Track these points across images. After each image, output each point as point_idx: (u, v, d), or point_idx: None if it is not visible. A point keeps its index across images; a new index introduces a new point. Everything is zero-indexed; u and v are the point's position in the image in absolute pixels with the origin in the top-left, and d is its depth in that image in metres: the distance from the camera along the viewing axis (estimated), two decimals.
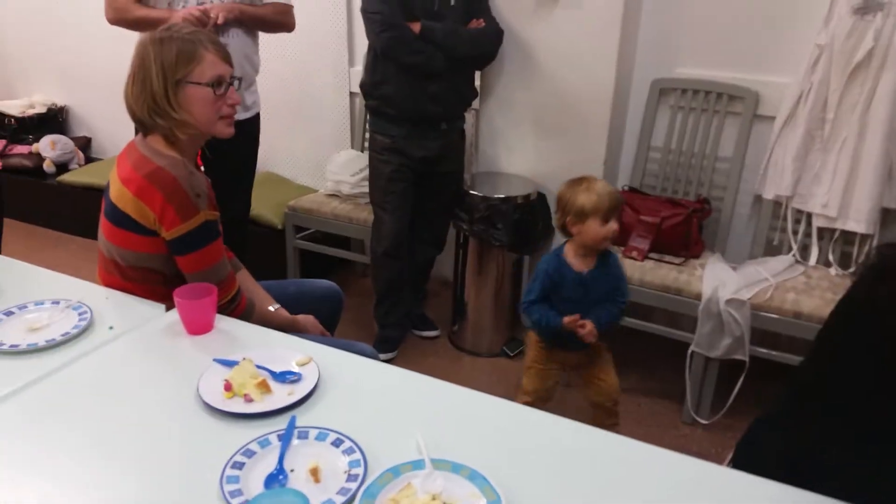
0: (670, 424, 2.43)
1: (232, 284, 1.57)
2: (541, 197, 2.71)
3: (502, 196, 2.59)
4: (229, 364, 1.28)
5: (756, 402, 2.31)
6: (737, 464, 1.27)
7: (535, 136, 2.76)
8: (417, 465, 1.06)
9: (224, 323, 1.48)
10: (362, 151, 3.13)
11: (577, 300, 1.93)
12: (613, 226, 1.88)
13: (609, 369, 2.08)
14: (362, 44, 2.66)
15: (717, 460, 1.31)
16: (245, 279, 1.74)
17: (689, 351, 2.36)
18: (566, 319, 1.90)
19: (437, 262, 2.92)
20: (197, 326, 1.43)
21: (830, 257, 2.42)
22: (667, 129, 2.66)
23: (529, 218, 2.64)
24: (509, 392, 2.58)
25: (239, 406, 1.19)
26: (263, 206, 3.08)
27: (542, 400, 2.13)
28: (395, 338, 2.79)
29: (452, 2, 2.42)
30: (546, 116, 2.71)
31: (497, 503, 0.99)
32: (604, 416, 2.11)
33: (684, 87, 2.59)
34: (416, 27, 2.36)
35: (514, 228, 2.60)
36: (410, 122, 2.49)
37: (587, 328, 1.90)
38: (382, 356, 2.66)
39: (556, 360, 2.09)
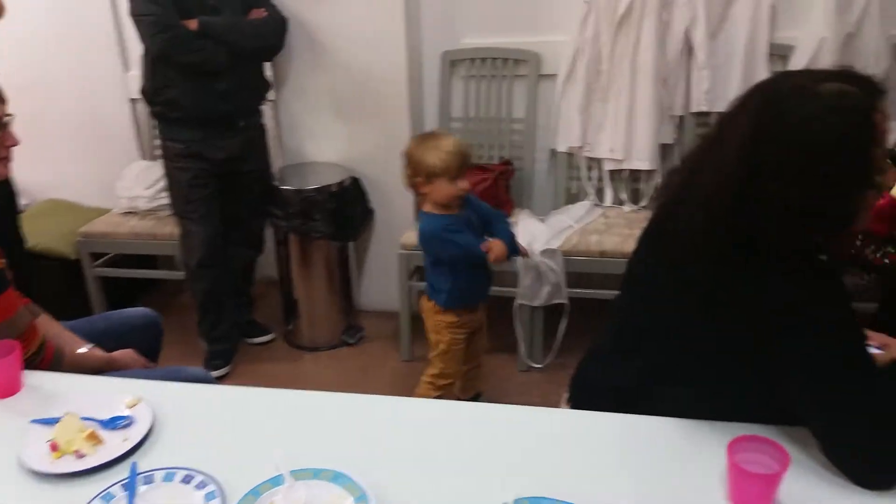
0: (509, 375, 2.56)
1: (34, 335, 1.41)
2: (355, 181, 2.70)
3: (316, 187, 2.55)
4: (50, 422, 1.16)
5: (583, 339, 2.50)
6: (573, 399, 1.37)
7: (337, 121, 2.73)
8: (276, 481, 1.03)
9: (33, 378, 1.33)
10: (154, 161, 2.92)
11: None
12: (464, 184, 1.92)
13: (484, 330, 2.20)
14: (135, 46, 2.47)
15: (557, 399, 1.40)
16: (47, 325, 1.57)
17: (515, 304, 2.50)
18: (483, 246, 1.94)
19: (259, 264, 2.83)
20: (4, 388, 1.28)
21: (623, 196, 2.66)
22: (463, 98, 2.75)
23: (347, 205, 2.63)
24: (358, 378, 2.59)
25: (71, 465, 1.09)
26: (50, 237, 2.78)
27: (451, 377, 2.16)
28: (225, 351, 2.67)
29: None
30: (345, 100, 2.69)
31: (363, 498, 1.00)
32: (472, 378, 2.20)
33: (472, 56, 2.69)
34: (192, 24, 2.22)
35: (333, 217, 2.57)
36: (202, 124, 2.36)
37: (498, 247, 1.95)
38: (215, 373, 2.54)
39: (465, 325, 2.11)
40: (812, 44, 2.33)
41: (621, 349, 1.28)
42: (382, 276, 2.86)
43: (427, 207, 1.97)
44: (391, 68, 2.59)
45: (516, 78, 2.68)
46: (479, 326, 2.17)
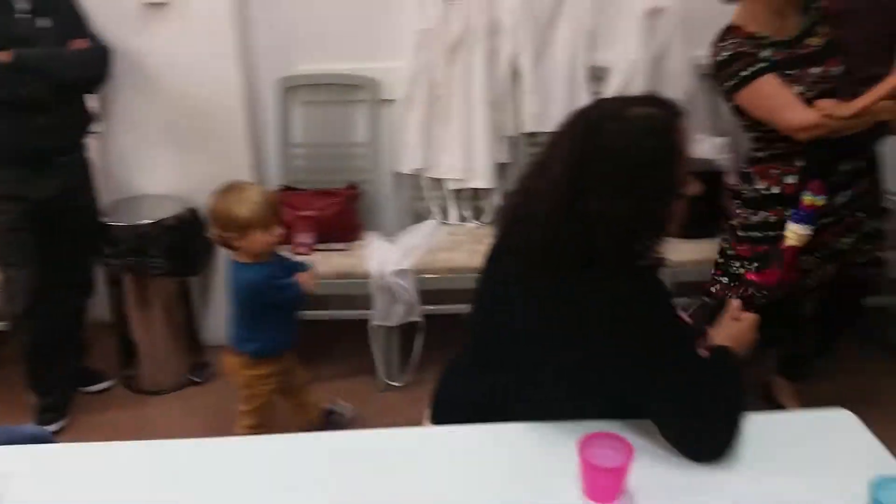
0: (369, 397, 2.56)
1: None
2: (193, 213, 2.59)
3: (150, 221, 2.42)
4: None
5: (440, 355, 2.55)
6: (435, 415, 1.41)
7: (171, 151, 2.61)
8: None
9: None
10: None
11: None
12: (277, 230, 1.88)
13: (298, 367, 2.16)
14: None
15: (420, 416, 1.43)
16: None
17: (370, 325, 2.51)
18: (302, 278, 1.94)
19: (91, 307, 2.63)
20: None
21: (466, 213, 2.77)
22: (305, 123, 2.73)
23: (186, 238, 2.51)
24: (208, 418, 2.47)
25: None
26: None
27: (267, 425, 2.08)
28: (58, 403, 2.45)
29: (39, 23, 2.13)
30: (178, 130, 2.58)
31: None
32: (309, 411, 2.16)
33: (309, 82, 2.68)
34: (4, 56, 2.04)
35: (172, 252, 2.45)
36: (20, 162, 2.17)
37: (305, 277, 1.97)
38: (50, 428, 2.33)
39: (278, 373, 2.05)
40: (625, 66, 2.55)
41: (478, 363, 1.33)
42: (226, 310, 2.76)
43: (242, 258, 1.91)
44: (225, 95, 2.53)
45: (356, 103, 2.71)
46: (291, 367, 2.13)
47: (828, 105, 1.77)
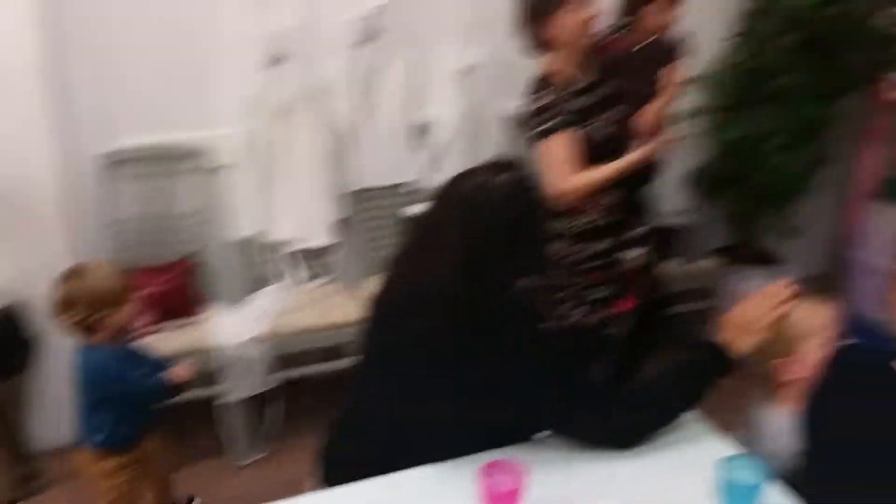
0: (227, 475, 2.45)
1: None
2: (14, 309, 2.36)
3: None
4: None
5: (303, 419, 2.52)
6: (327, 477, 1.42)
7: None
8: None
9: None
10: None
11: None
12: (134, 305, 1.82)
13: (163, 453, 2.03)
14: None
15: (294, 482, 1.43)
16: None
17: (224, 399, 2.42)
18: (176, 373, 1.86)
19: None
20: None
21: (309, 273, 2.78)
22: (131, 197, 2.60)
23: (8, 335, 2.28)
24: None
25: None
26: None
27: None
28: None
29: None
30: None
31: None
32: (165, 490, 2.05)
33: (135, 155, 2.57)
34: None
35: None
36: None
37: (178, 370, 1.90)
38: None
39: (135, 461, 1.90)
40: (446, 120, 2.74)
41: (369, 415, 1.38)
42: (59, 409, 2.51)
43: (95, 341, 1.81)
44: (38, 177, 2.35)
45: (184, 173, 2.63)
46: (151, 455, 1.99)
47: (583, 175, 2.04)
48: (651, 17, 2.32)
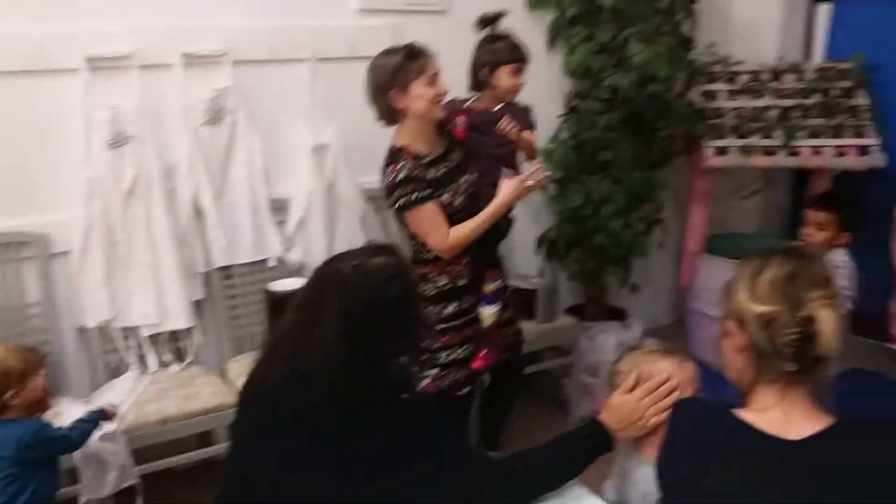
0: None
1: None
2: None
3: None
4: None
5: None
6: None
7: None
8: None
9: None
10: None
11: None
12: (39, 379, 1.96)
13: None
14: None
15: None
16: None
17: (81, 501, 2.26)
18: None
19: None
20: None
21: (167, 358, 2.68)
22: None
23: None
24: None
25: None
26: None
27: None
28: None
29: None
30: None
31: None
32: None
33: None
34: None
35: None
36: None
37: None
38: None
39: None
40: (302, 196, 2.80)
41: (248, 498, 1.37)
42: None
43: (10, 415, 1.86)
44: None
45: (24, 261, 2.49)
46: None
47: (462, 227, 2.20)
48: (499, 83, 2.48)
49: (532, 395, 3.31)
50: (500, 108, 2.52)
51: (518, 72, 2.47)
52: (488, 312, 2.39)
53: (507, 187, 2.21)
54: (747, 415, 1.24)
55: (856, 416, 1.24)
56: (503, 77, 2.45)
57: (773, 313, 1.18)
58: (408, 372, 1.41)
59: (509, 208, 2.30)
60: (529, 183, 2.23)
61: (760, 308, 1.19)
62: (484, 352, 2.39)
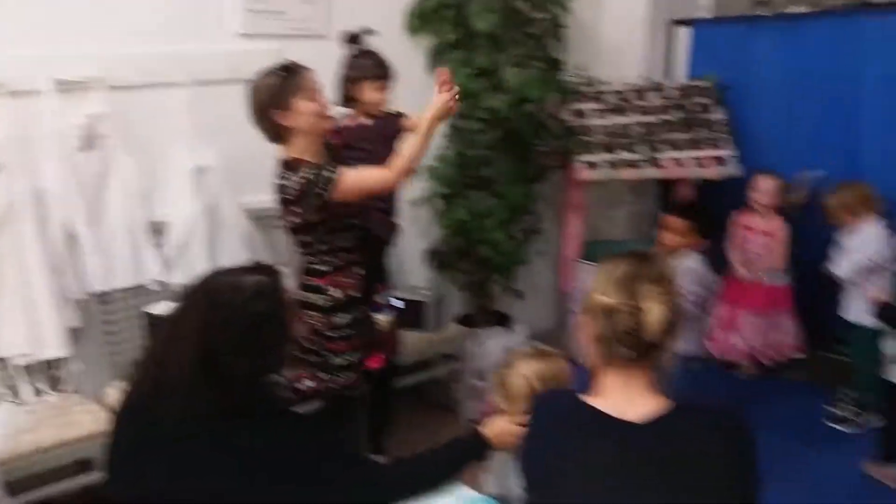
0: None
1: None
2: None
3: None
4: None
5: None
6: None
7: None
8: None
9: None
10: None
11: None
12: None
13: None
14: None
15: None
16: None
17: None
18: None
19: None
20: None
21: (42, 386, 2.59)
22: None
23: None
24: None
25: None
26: None
27: None
28: None
29: None
30: None
31: None
32: None
33: None
34: None
35: None
36: None
37: None
38: None
39: None
40: (183, 219, 2.77)
41: None
42: None
43: None
44: None
45: None
46: None
47: (395, 159, 2.22)
48: (364, 98, 2.55)
49: (423, 402, 3.41)
50: (370, 125, 2.60)
51: (382, 87, 2.55)
52: (384, 319, 2.55)
53: (437, 101, 2.25)
54: (594, 400, 1.37)
55: (689, 400, 1.40)
56: (367, 92, 2.54)
57: (615, 305, 1.32)
58: (272, 386, 1.46)
59: (440, 122, 2.30)
60: (452, 103, 2.27)
61: (605, 300, 1.34)
62: (379, 354, 2.52)
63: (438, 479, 1.61)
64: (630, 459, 1.29)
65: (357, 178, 2.19)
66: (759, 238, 3.50)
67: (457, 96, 2.28)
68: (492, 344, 3.44)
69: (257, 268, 1.47)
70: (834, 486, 2.86)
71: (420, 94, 2.90)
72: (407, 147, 2.25)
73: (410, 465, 1.64)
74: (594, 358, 1.41)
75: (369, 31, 2.57)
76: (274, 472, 1.36)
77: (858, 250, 3.10)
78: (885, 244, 3.08)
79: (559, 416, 1.41)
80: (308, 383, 2.40)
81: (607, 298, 1.34)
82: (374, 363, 2.50)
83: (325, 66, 2.38)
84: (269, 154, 2.29)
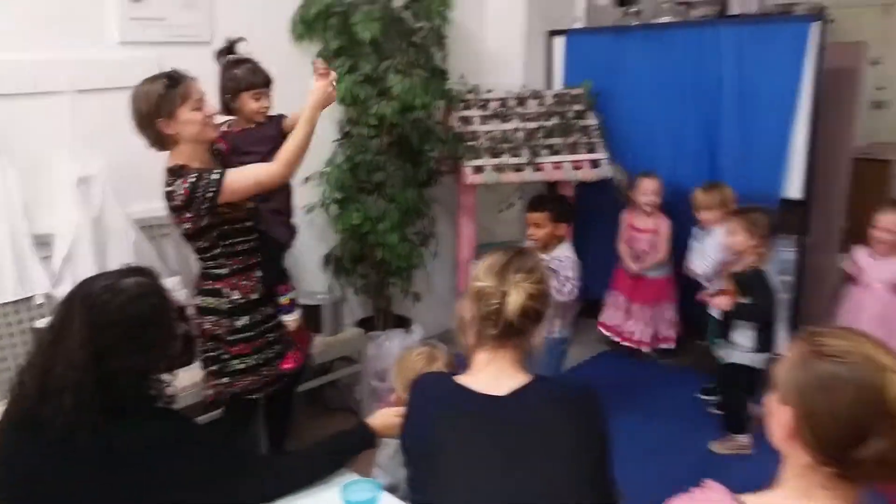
0: None
1: None
2: None
3: None
4: None
5: None
6: None
7: None
8: None
9: None
10: None
11: None
12: None
13: None
14: None
15: None
16: None
17: None
18: None
19: None
20: None
21: None
22: None
23: None
24: None
25: None
26: None
27: None
28: None
29: None
30: None
31: None
32: None
33: None
34: None
35: None
36: None
37: None
38: None
39: None
40: (68, 230, 2.73)
41: None
42: None
43: None
44: None
45: None
46: None
47: (279, 153, 2.28)
48: (244, 108, 2.59)
49: (324, 405, 3.48)
50: (252, 130, 2.64)
51: (260, 96, 2.60)
52: (290, 319, 2.58)
53: (315, 89, 2.32)
54: (465, 379, 1.52)
55: (548, 376, 1.56)
56: (246, 101, 2.57)
57: (486, 288, 1.48)
58: (159, 385, 1.51)
59: (320, 109, 2.35)
60: (331, 88, 2.35)
61: (479, 285, 1.49)
62: (292, 353, 2.57)
63: (325, 469, 1.71)
64: (494, 428, 1.44)
65: (242, 175, 2.23)
66: (645, 236, 3.78)
67: (334, 83, 2.37)
68: (391, 345, 3.54)
69: (134, 270, 1.52)
70: (686, 460, 3.05)
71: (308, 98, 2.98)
72: (290, 138, 2.30)
73: (296, 458, 1.74)
74: (469, 338, 1.55)
75: (240, 40, 2.59)
76: (158, 471, 1.42)
77: (713, 250, 3.39)
78: None
79: (434, 394, 1.54)
80: (210, 390, 2.45)
81: (481, 283, 1.50)
82: (288, 364, 2.54)
83: (209, 72, 2.41)
84: (156, 162, 2.31)
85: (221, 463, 1.52)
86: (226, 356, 2.40)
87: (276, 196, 2.59)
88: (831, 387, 0.99)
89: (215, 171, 2.22)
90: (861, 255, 3.23)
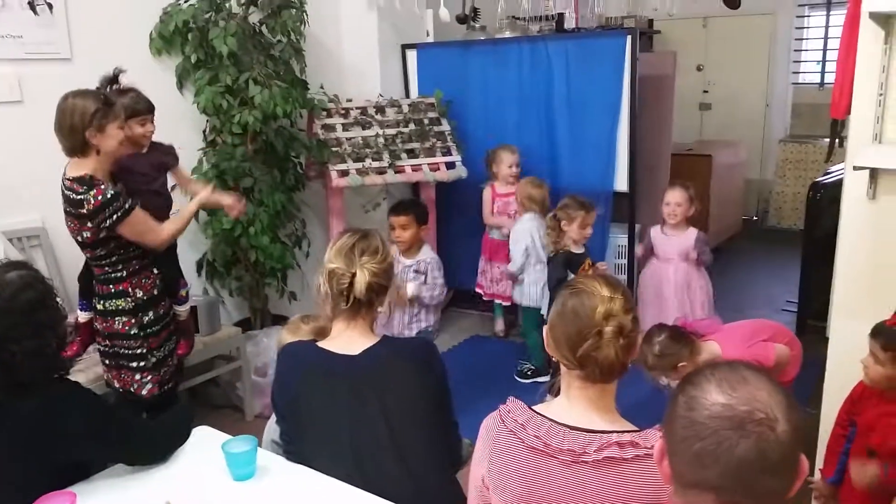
0: None
1: None
2: None
3: None
4: None
5: None
6: None
7: None
8: None
9: None
10: None
11: None
12: None
13: None
14: None
15: None
16: None
17: None
18: None
19: None
20: None
21: None
22: None
23: None
24: None
25: None
26: None
27: None
28: None
29: None
30: None
31: None
32: None
33: None
34: None
35: None
36: None
37: None
38: None
39: None
40: None
41: None
42: None
43: None
44: None
45: None
46: None
47: (168, 224, 2.68)
48: (132, 133, 2.73)
49: (208, 403, 3.61)
50: (143, 154, 2.81)
51: (145, 121, 2.77)
52: (182, 310, 2.94)
53: (203, 193, 2.79)
54: (326, 343, 1.79)
55: (393, 336, 1.86)
56: (133, 127, 2.73)
57: (337, 269, 1.74)
58: (53, 359, 1.70)
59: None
60: (234, 213, 2.94)
61: (331, 266, 1.75)
62: (185, 340, 2.95)
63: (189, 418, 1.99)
64: (351, 383, 1.73)
65: (142, 225, 2.55)
66: (511, 198, 4.05)
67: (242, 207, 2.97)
68: (269, 342, 3.72)
69: (12, 264, 1.70)
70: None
71: (171, 110, 3.14)
72: (175, 222, 2.72)
73: (172, 414, 1.97)
74: (327, 311, 1.82)
75: (120, 71, 2.72)
76: (59, 430, 1.62)
77: (517, 241, 3.78)
78: (538, 236, 3.70)
79: (298, 357, 1.82)
80: (146, 388, 2.68)
81: (332, 265, 1.76)
82: (182, 349, 2.91)
83: (70, 88, 2.51)
84: (24, 176, 2.42)
85: (115, 421, 1.72)
86: (145, 351, 2.66)
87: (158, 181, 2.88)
88: (563, 311, 1.39)
89: (129, 200, 2.48)
90: (656, 232, 3.66)
